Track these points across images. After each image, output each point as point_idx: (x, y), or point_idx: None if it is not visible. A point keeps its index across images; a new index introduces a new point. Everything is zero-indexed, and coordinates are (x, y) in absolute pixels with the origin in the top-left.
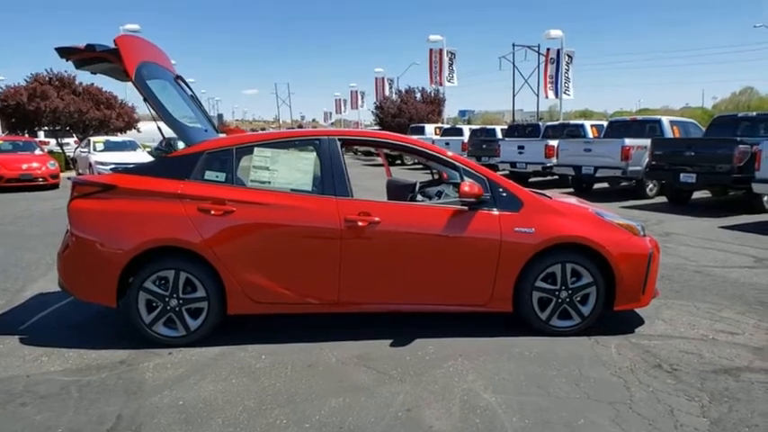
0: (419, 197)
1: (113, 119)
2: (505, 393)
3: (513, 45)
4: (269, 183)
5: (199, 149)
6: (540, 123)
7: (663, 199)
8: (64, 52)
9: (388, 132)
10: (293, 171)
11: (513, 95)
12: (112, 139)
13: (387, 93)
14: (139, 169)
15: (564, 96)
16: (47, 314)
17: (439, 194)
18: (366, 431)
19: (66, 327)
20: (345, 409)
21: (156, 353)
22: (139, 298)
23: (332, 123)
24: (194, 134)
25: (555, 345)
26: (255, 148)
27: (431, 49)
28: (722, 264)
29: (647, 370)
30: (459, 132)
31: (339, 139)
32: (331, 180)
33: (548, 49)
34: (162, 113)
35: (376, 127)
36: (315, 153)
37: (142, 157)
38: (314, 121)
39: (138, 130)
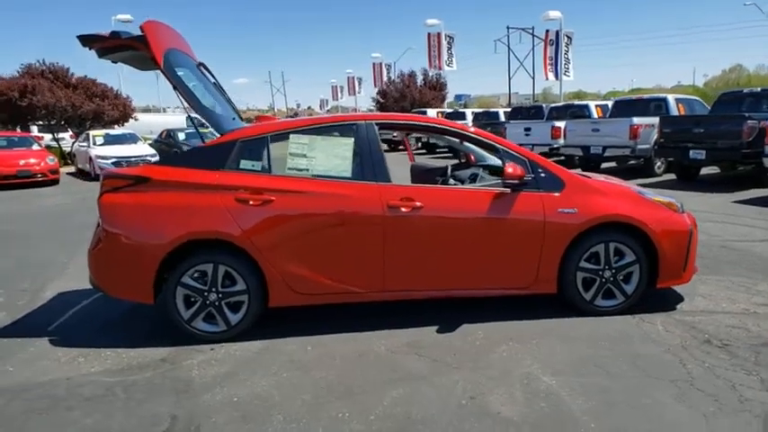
0: (451, 181)
1: (107, 109)
2: (565, 375)
3: (508, 28)
4: (307, 170)
5: (232, 138)
6: (544, 105)
7: (671, 176)
8: (87, 40)
9: (425, 116)
10: (331, 157)
11: (509, 78)
12: (112, 132)
13: (385, 78)
14: (172, 160)
15: (564, 78)
16: (74, 313)
17: (473, 178)
18: (435, 421)
19: (96, 326)
20: (407, 400)
21: (198, 349)
22: (177, 293)
23: (328, 110)
24: (225, 123)
25: (601, 325)
26: (291, 135)
27: (429, 33)
28: (745, 238)
29: (698, 346)
30: (462, 116)
31: (377, 124)
32: (371, 166)
33: (546, 31)
34: (192, 102)
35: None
36: (353, 138)
37: (144, 149)
38: (309, 108)
39: (136, 119)
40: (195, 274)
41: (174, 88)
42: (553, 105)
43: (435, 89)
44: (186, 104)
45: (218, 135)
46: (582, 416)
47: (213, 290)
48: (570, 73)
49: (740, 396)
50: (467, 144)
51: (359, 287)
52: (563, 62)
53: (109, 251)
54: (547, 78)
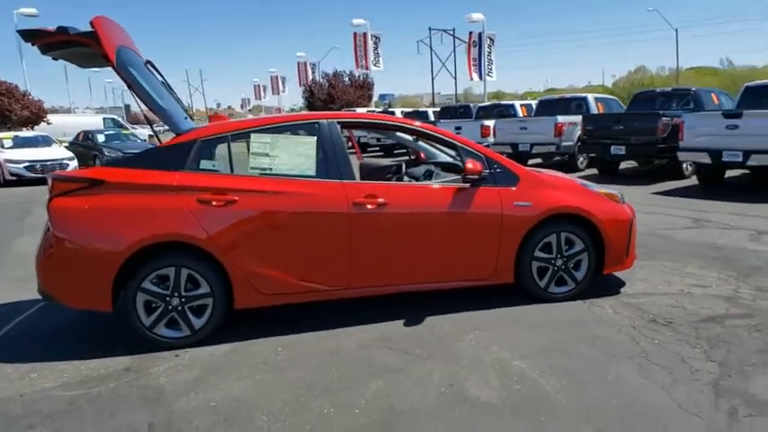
0: (405, 178)
1: (17, 110)
2: (533, 359)
3: (430, 29)
4: (270, 169)
5: (191, 138)
6: (471, 105)
7: (593, 171)
8: (29, 35)
9: (386, 114)
10: (295, 156)
11: (432, 79)
12: (22, 134)
13: (310, 77)
14: (127, 162)
15: (488, 78)
16: (16, 325)
17: (428, 175)
18: (418, 411)
19: (42, 337)
20: (387, 392)
21: (161, 356)
22: (137, 299)
23: (249, 110)
24: (180, 122)
25: (556, 310)
26: (252, 134)
27: (355, 33)
28: (669, 226)
29: (646, 325)
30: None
31: (338, 122)
32: (335, 163)
33: (470, 33)
34: (148, 100)
35: (304, 111)
36: (316, 137)
37: (60, 152)
38: (229, 108)
39: (49, 122)
40: (156, 279)
41: (129, 87)
42: (481, 105)
43: (362, 88)
44: (142, 104)
45: (175, 135)
46: (556, 395)
47: (176, 294)
48: (493, 73)
49: (690, 367)
50: (422, 142)
51: (325, 285)
52: (486, 63)
53: (62, 259)
54: (471, 79)
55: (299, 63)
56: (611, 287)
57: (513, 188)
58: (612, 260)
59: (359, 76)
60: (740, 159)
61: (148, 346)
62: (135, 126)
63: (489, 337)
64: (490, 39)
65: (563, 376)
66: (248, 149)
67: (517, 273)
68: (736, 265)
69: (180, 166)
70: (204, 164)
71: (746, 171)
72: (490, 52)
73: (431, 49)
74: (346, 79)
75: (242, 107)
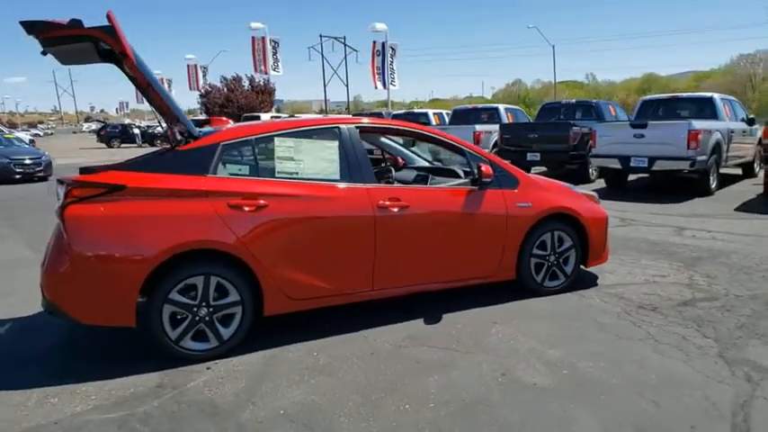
0: (396, 184)
1: None
2: (562, 346)
3: (321, 36)
4: (296, 173)
5: (213, 141)
6: (384, 112)
7: None
8: (33, 27)
9: (402, 121)
10: (319, 160)
11: (325, 86)
12: None
13: (201, 81)
14: (146, 165)
15: (391, 87)
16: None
17: (421, 179)
18: (487, 399)
19: (34, 358)
20: (449, 385)
21: (191, 370)
22: (164, 312)
23: (126, 114)
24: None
25: (555, 302)
26: (276, 138)
27: (253, 37)
28: None
29: (636, 311)
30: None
31: (357, 127)
32: (358, 167)
33: (374, 42)
34: (167, 100)
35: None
36: (337, 141)
37: None
38: (103, 112)
39: None
40: (183, 289)
41: (148, 86)
42: (394, 113)
43: (263, 93)
44: (159, 102)
45: (195, 136)
46: (601, 375)
47: (203, 304)
48: (396, 83)
49: (693, 344)
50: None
51: (351, 288)
52: (389, 72)
53: (78, 271)
54: (376, 87)
55: (188, 66)
56: (588, 280)
57: (515, 190)
58: (594, 255)
59: (259, 81)
60: (646, 165)
61: (169, 360)
62: (12, 129)
63: (511, 329)
64: (392, 48)
65: (597, 359)
66: (258, 154)
67: (518, 269)
68: (678, 257)
69: (205, 170)
70: (230, 168)
71: (646, 175)
72: (392, 61)
73: (322, 56)
74: (246, 84)
75: (118, 111)
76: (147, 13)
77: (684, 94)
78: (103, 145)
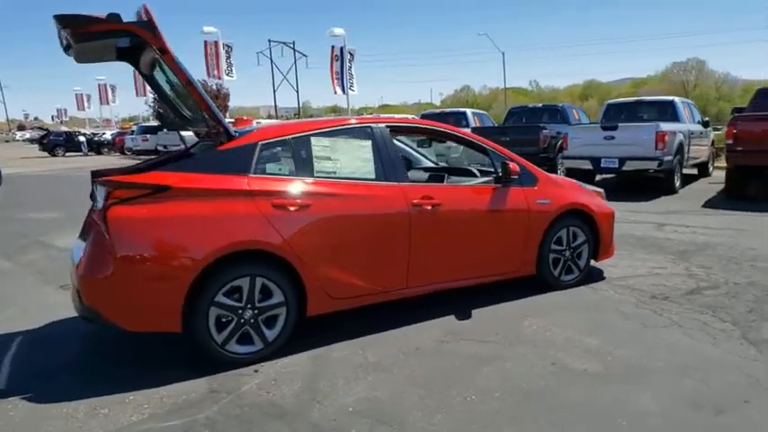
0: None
1: None
2: (597, 335)
3: (270, 41)
4: (334, 173)
5: (252, 140)
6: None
7: None
8: (69, 22)
9: (429, 120)
10: (354, 159)
11: (274, 91)
12: None
13: (148, 86)
14: (186, 165)
15: (350, 92)
16: (14, 360)
17: (439, 179)
18: (548, 386)
19: (66, 367)
20: (504, 376)
21: (239, 373)
22: (210, 315)
23: (62, 122)
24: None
25: (573, 295)
26: (312, 138)
27: (206, 41)
28: None
29: (650, 301)
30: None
31: (387, 126)
32: (391, 166)
33: (332, 47)
34: (205, 99)
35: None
36: (370, 140)
37: None
38: (37, 119)
39: None
40: (228, 291)
41: (188, 83)
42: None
43: (217, 98)
44: (198, 101)
45: (231, 136)
46: (642, 360)
47: (249, 306)
48: (354, 88)
49: (716, 329)
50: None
51: (387, 286)
52: (347, 77)
53: (124, 275)
54: (335, 92)
55: (134, 71)
56: (595, 274)
57: (535, 187)
58: (603, 250)
59: (212, 86)
60: (616, 166)
61: (214, 365)
62: None
63: (542, 322)
64: (351, 53)
65: (632, 346)
66: (295, 153)
67: (538, 264)
68: (669, 251)
69: (246, 169)
70: (270, 167)
71: (612, 175)
72: (351, 67)
73: (271, 61)
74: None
75: (54, 119)
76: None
77: (648, 98)
78: (46, 154)
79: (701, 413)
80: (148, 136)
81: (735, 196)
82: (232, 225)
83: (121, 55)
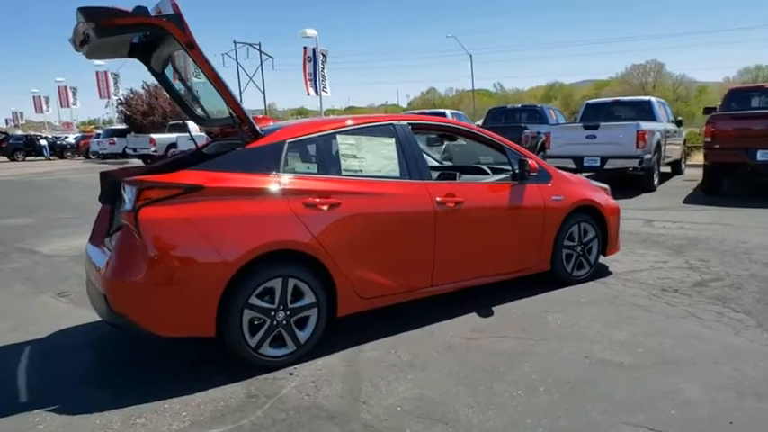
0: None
1: None
2: (622, 328)
3: (235, 42)
4: (360, 171)
5: (279, 139)
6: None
7: None
8: (95, 14)
9: (449, 119)
10: (379, 158)
11: (240, 93)
12: None
13: (112, 88)
14: (216, 165)
15: (323, 93)
16: (29, 370)
17: (447, 177)
18: (589, 377)
19: (87, 377)
20: (543, 370)
21: (273, 377)
22: (244, 317)
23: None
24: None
25: (586, 290)
26: (338, 136)
27: None
28: None
29: (661, 294)
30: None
31: (409, 124)
32: (415, 164)
33: (305, 48)
34: (233, 94)
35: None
36: (394, 138)
37: None
38: None
39: None
40: (262, 293)
41: (216, 79)
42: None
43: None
44: (224, 96)
45: (258, 134)
46: (674, 351)
47: (281, 308)
48: (327, 89)
49: (731, 318)
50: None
51: (413, 285)
52: (320, 79)
53: (157, 278)
54: (308, 94)
55: (97, 72)
56: (602, 269)
57: (549, 184)
58: (611, 245)
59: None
60: (598, 164)
61: (244, 369)
62: None
63: (565, 316)
64: (323, 55)
65: (659, 337)
66: (322, 151)
67: (552, 260)
68: (664, 245)
69: (276, 168)
70: (299, 166)
71: (593, 173)
72: (323, 68)
73: (237, 62)
74: None
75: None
76: (46, 13)
77: (625, 98)
78: (6, 158)
79: (745, 399)
80: (115, 139)
81: (711, 192)
82: (266, 225)
83: (133, 51)
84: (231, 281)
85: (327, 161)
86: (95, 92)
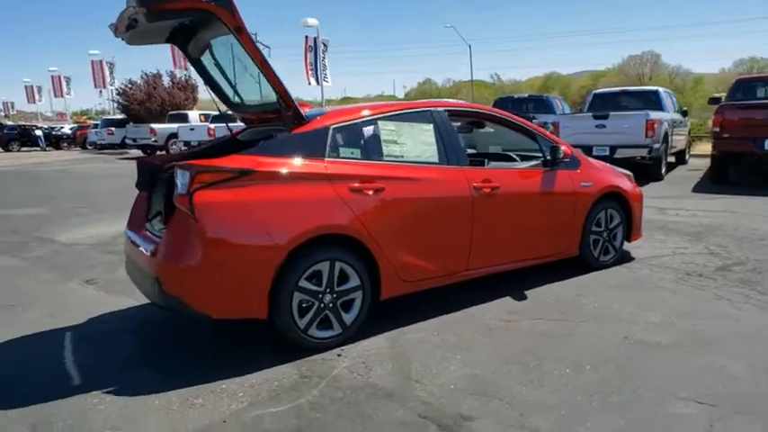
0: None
1: None
2: (656, 310)
3: None
4: (402, 156)
5: (324, 124)
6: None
7: None
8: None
9: (483, 105)
10: (419, 143)
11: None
12: None
13: (107, 77)
14: (265, 149)
15: (324, 83)
16: (79, 352)
17: (478, 163)
18: (634, 358)
19: (134, 361)
20: (589, 350)
21: (322, 358)
22: (294, 300)
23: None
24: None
25: (613, 274)
26: (380, 122)
27: None
28: None
29: (687, 278)
30: (233, 120)
31: (446, 111)
32: (453, 150)
33: (306, 37)
34: (281, 83)
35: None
36: (432, 124)
37: None
38: None
39: None
40: (310, 276)
41: (264, 64)
42: None
43: (186, 90)
44: (272, 82)
45: (303, 120)
46: (709, 331)
47: (328, 291)
48: (329, 79)
49: (759, 300)
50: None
51: (450, 269)
52: (321, 68)
53: (213, 261)
54: (309, 83)
55: (93, 62)
56: (626, 255)
57: (578, 171)
58: (635, 230)
59: (180, 78)
60: (607, 153)
61: (290, 351)
62: None
63: (599, 299)
64: (324, 44)
65: (692, 318)
66: (363, 137)
67: (580, 245)
68: (682, 232)
69: (321, 153)
70: (343, 151)
71: None
72: (324, 58)
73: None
74: (167, 80)
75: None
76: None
77: (632, 88)
78: (0, 149)
79: None
80: (114, 129)
81: (719, 181)
82: (315, 209)
83: (171, 37)
84: (282, 264)
85: (370, 146)
86: (89, 81)
